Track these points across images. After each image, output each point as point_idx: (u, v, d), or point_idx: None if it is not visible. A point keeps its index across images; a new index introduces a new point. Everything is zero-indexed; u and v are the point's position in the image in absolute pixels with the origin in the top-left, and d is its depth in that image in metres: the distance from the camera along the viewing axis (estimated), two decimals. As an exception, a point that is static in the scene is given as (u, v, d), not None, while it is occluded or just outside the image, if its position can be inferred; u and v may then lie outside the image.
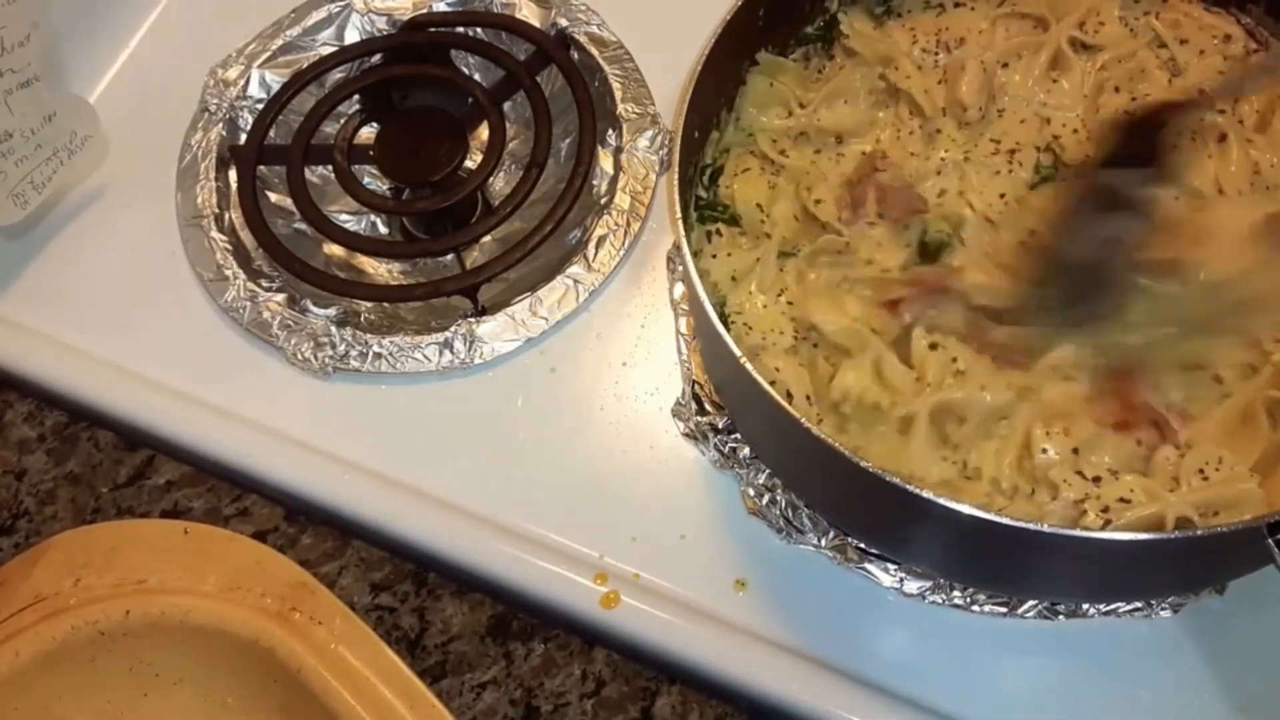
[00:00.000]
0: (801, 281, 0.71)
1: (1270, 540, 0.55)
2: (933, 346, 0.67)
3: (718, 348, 0.63)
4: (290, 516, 0.78)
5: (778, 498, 0.73)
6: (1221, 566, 0.66)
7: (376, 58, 0.92)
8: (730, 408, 0.74)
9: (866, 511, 0.67)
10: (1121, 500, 0.64)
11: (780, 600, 0.72)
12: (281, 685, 0.66)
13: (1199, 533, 0.58)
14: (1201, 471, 0.64)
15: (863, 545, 0.71)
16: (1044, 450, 0.65)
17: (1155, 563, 0.61)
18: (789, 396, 0.67)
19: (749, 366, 0.61)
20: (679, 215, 0.66)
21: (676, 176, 0.67)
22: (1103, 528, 0.63)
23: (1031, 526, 0.56)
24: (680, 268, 0.81)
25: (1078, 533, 0.60)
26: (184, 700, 0.69)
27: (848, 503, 0.68)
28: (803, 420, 0.59)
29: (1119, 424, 0.66)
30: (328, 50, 0.92)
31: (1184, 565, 0.63)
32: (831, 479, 0.64)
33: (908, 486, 0.57)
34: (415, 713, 0.64)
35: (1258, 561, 0.61)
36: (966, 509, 0.56)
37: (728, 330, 0.63)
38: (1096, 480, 0.65)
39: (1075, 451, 0.65)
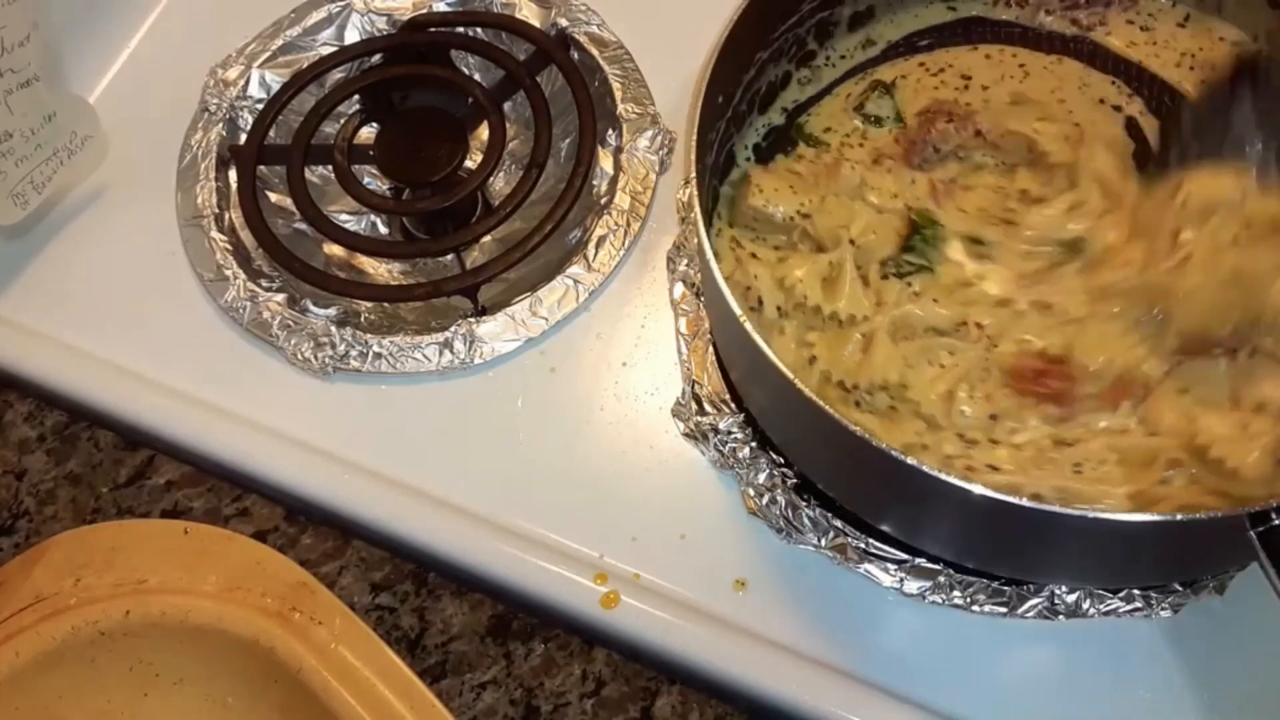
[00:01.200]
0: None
1: (1252, 532, 0.55)
2: (884, 277, 0.71)
3: (738, 338, 0.63)
4: (290, 516, 0.78)
5: (778, 498, 0.73)
6: (1205, 558, 0.67)
7: (376, 58, 0.92)
8: (751, 400, 0.74)
9: (892, 500, 0.67)
10: (990, 467, 0.65)
11: (780, 600, 0.72)
12: (281, 685, 0.66)
13: (1176, 518, 0.57)
14: (1078, 465, 0.65)
15: (863, 545, 0.71)
16: (962, 411, 0.67)
17: (1131, 547, 0.61)
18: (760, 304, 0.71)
19: (779, 362, 0.61)
20: (693, 173, 0.66)
21: (695, 138, 0.67)
22: None
23: (968, 487, 0.57)
24: (680, 266, 0.81)
25: (1043, 506, 0.59)
26: (184, 700, 0.69)
27: (864, 485, 0.69)
28: (842, 419, 0.59)
29: (1032, 392, 0.67)
30: (328, 50, 0.92)
31: (1161, 553, 0.63)
32: (866, 470, 0.65)
33: (953, 478, 0.57)
34: (415, 713, 0.64)
35: (1242, 555, 0.61)
36: (943, 475, 0.57)
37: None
38: (974, 444, 0.66)
39: (993, 418, 0.67)
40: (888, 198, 0.74)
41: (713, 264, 0.64)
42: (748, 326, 0.62)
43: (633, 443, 0.77)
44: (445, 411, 0.79)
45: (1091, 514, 0.58)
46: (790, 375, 0.60)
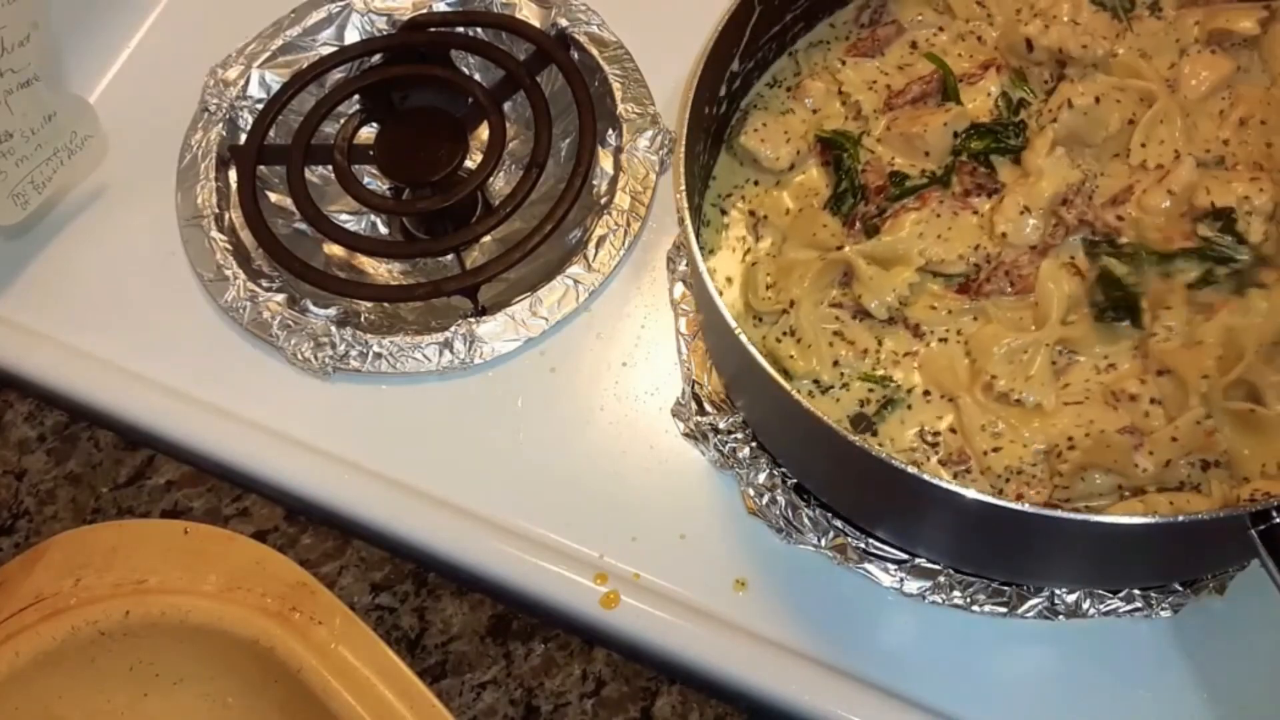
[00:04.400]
0: None
1: (1253, 531, 0.55)
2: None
3: (726, 340, 0.63)
4: (290, 516, 0.78)
5: (778, 498, 0.73)
6: (1205, 558, 0.67)
7: (376, 58, 0.92)
8: (741, 402, 0.74)
9: (888, 506, 0.67)
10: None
11: (780, 600, 0.72)
12: (281, 685, 0.66)
13: (1177, 518, 0.58)
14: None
15: (863, 545, 0.71)
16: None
17: (1130, 547, 0.61)
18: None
19: (772, 370, 0.61)
20: (682, 187, 0.66)
21: (683, 148, 0.67)
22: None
23: (962, 491, 0.57)
24: (680, 266, 0.81)
25: (1038, 510, 0.59)
26: (184, 700, 0.69)
27: (859, 491, 0.69)
28: (837, 427, 0.59)
29: None
30: (328, 50, 0.92)
31: (1161, 553, 0.64)
32: (857, 476, 0.65)
33: (936, 479, 0.57)
34: (415, 713, 0.64)
35: (1243, 554, 0.61)
36: (939, 480, 0.57)
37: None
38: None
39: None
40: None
41: (703, 271, 0.64)
42: (742, 339, 0.61)
43: (633, 443, 0.77)
44: (445, 412, 0.79)
45: (1092, 518, 0.58)
46: (784, 384, 0.60)
